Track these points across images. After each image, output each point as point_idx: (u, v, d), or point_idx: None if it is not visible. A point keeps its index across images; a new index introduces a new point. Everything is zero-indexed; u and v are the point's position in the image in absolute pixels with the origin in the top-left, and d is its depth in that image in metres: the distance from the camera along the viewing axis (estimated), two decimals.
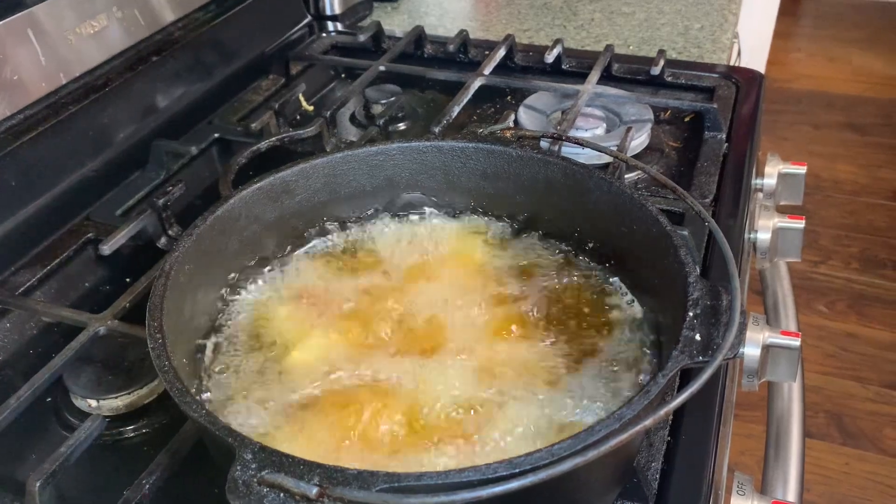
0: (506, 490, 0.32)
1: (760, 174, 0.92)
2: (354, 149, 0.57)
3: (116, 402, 0.60)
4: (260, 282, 0.55)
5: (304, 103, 1.01)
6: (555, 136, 0.59)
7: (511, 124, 0.74)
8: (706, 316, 0.41)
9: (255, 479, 0.33)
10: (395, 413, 0.44)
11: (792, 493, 0.63)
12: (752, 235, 0.86)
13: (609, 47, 0.99)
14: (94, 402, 0.60)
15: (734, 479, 0.58)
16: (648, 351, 0.49)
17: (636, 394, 0.37)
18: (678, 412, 0.56)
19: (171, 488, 0.50)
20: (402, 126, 0.96)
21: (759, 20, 2.39)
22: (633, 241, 0.50)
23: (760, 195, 0.94)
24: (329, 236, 0.58)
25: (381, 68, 0.98)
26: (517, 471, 0.33)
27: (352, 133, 0.96)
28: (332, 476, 0.33)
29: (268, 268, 0.56)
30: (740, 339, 0.39)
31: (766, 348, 0.69)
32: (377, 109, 0.95)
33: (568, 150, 0.78)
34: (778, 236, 0.84)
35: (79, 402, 0.61)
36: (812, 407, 1.78)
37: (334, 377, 0.47)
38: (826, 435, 1.74)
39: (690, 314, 0.41)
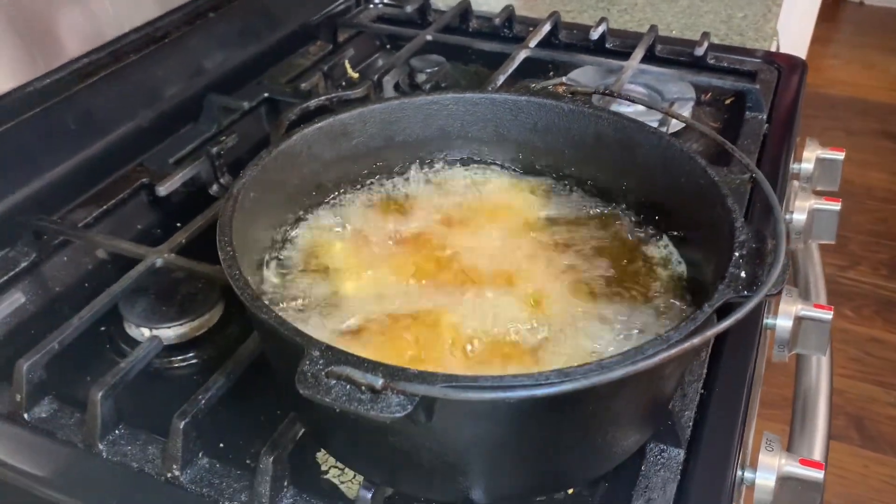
0: (557, 392, 0.34)
1: (798, 159, 0.93)
2: (411, 97, 0.59)
3: (169, 332, 0.63)
4: (318, 216, 0.57)
5: (349, 70, 1.03)
6: (608, 92, 0.61)
7: (563, 79, 0.76)
8: (751, 256, 0.42)
9: (323, 372, 0.35)
10: (448, 338, 0.46)
11: (818, 449, 0.64)
12: (787, 216, 0.87)
13: (653, 27, 1.00)
14: (147, 331, 0.63)
15: (763, 438, 0.59)
16: (688, 299, 0.50)
17: (682, 321, 0.39)
18: (712, 367, 0.58)
19: (226, 407, 0.53)
20: None
21: (799, 22, 2.38)
22: (681, 194, 0.52)
23: (797, 180, 0.95)
24: (383, 180, 0.60)
25: (428, 38, 1.00)
26: (568, 378, 0.35)
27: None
28: (395, 373, 0.35)
29: (326, 203, 0.58)
30: (783, 278, 0.40)
31: (799, 320, 0.71)
32: (421, 78, 0.97)
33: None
34: (813, 218, 0.85)
35: (132, 331, 0.64)
36: (833, 409, 1.77)
37: (388, 306, 0.49)
38: (845, 437, 1.74)
39: (736, 254, 0.42)
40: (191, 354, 0.63)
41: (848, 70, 3.15)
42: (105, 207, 0.75)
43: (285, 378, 0.38)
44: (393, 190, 0.60)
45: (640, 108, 0.88)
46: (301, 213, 0.57)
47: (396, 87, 1.00)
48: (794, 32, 2.31)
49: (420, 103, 0.59)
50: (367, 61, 1.09)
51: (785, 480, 0.57)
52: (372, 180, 0.60)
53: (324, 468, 0.52)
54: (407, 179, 0.61)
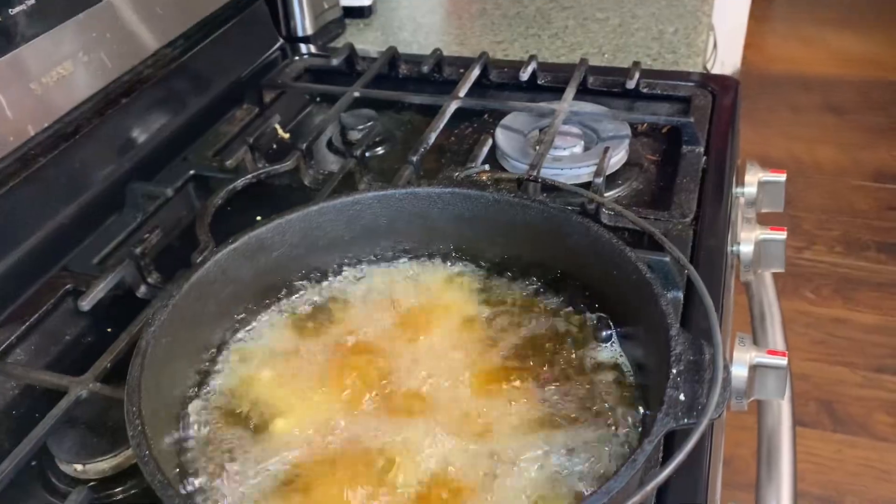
0: None
1: (741, 183, 0.92)
2: (330, 200, 0.56)
3: (103, 465, 0.59)
4: (241, 341, 0.54)
5: (280, 131, 1.00)
6: (530, 179, 0.58)
7: (487, 167, 0.73)
8: (689, 372, 0.41)
9: None
10: (384, 481, 0.44)
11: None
12: (734, 248, 0.86)
13: (583, 61, 0.98)
14: (79, 467, 0.59)
15: None
16: (635, 395, 0.48)
17: (622, 464, 0.37)
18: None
19: None
20: (380, 151, 0.95)
21: (734, 8, 2.39)
22: (615, 285, 0.50)
23: (742, 202, 0.94)
24: (308, 291, 0.58)
25: (356, 94, 0.97)
26: None
27: (330, 161, 0.95)
28: None
29: (247, 328, 0.55)
30: (724, 398, 0.39)
31: (754, 368, 0.70)
32: (354, 136, 0.95)
33: (547, 171, 0.78)
34: (761, 248, 0.84)
35: (64, 467, 0.61)
36: (802, 395, 1.79)
37: (321, 444, 0.46)
38: (817, 423, 1.75)
39: (674, 371, 0.41)
40: (130, 483, 0.60)
41: (786, 47, 3.18)
42: (29, 323, 0.71)
43: None
44: (320, 299, 0.57)
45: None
46: (223, 340, 0.54)
47: (329, 145, 0.97)
48: (731, 14, 2.32)
49: (340, 205, 0.56)
50: (298, 117, 1.06)
51: None
52: (298, 293, 0.57)
53: None
54: (335, 284, 0.58)
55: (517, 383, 0.50)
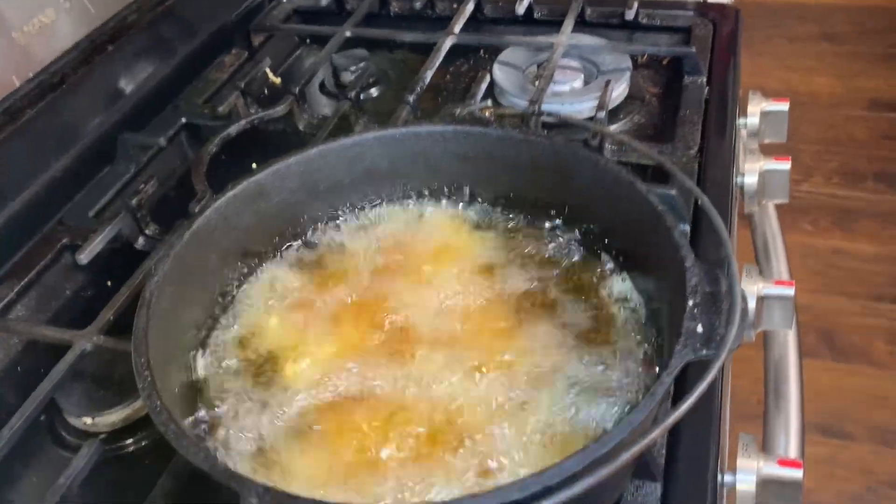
0: None
1: (743, 113, 0.91)
2: (329, 142, 0.55)
3: (112, 418, 0.59)
4: (248, 289, 0.53)
5: (270, 76, 0.98)
6: (534, 114, 0.57)
7: (489, 102, 0.72)
8: (706, 304, 0.40)
9: None
10: (398, 424, 0.43)
11: (794, 445, 0.64)
12: (738, 179, 0.84)
13: None
14: (89, 420, 0.59)
15: (739, 441, 0.58)
16: (646, 330, 0.48)
17: (643, 396, 0.36)
18: (679, 386, 0.56)
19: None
20: (374, 92, 0.93)
21: None
22: (624, 219, 0.49)
23: (744, 133, 0.92)
24: (311, 235, 0.56)
25: (347, 34, 0.95)
26: (530, 493, 0.32)
27: (323, 104, 0.93)
28: None
29: (254, 274, 0.54)
30: (743, 328, 0.38)
31: (762, 299, 0.69)
32: (347, 78, 0.92)
33: (548, 107, 0.76)
34: (765, 179, 0.83)
35: (73, 421, 0.61)
36: (802, 326, 1.79)
37: (333, 389, 0.46)
38: (817, 353, 1.77)
39: (690, 303, 0.40)
40: (141, 434, 0.60)
41: None
42: (27, 279, 0.70)
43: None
44: (325, 245, 0.56)
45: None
46: (229, 288, 0.53)
47: (322, 88, 0.95)
48: None
49: (340, 148, 0.55)
50: (289, 61, 1.03)
51: (765, 483, 0.56)
52: (302, 238, 0.56)
53: None
54: (338, 229, 0.57)
55: (529, 321, 0.49)
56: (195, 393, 0.49)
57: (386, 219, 0.57)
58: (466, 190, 0.57)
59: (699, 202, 0.45)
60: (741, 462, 0.56)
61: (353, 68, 0.93)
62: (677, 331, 0.39)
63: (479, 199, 0.57)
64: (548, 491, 0.32)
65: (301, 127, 0.83)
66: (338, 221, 0.57)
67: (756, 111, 0.89)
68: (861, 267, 1.95)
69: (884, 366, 1.73)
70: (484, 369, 0.46)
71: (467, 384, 0.45)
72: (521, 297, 0.51)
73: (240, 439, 0.45)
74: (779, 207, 0.97)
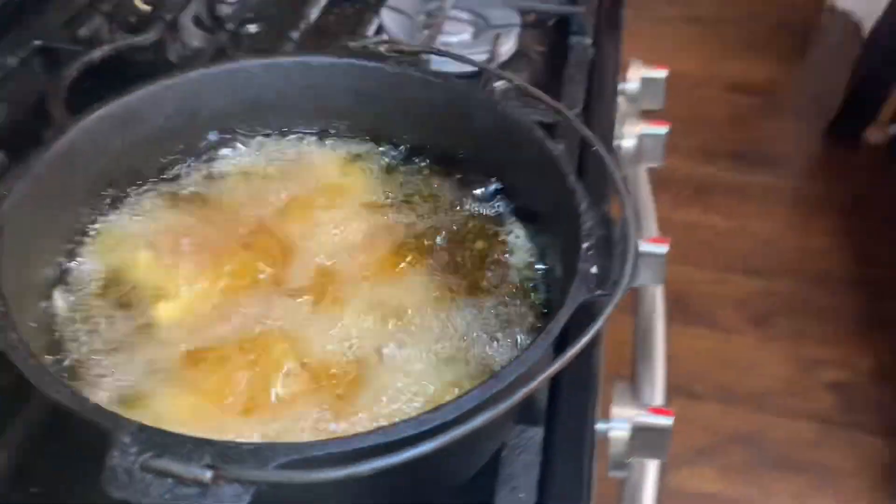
0: (417, 454, 0.30)
1: (623, 79, 0.93)
2: (210, 66, 0.51)
3: None
4: (114, 221, 0.48)
5: (138, 2, 0.90)
6: (436, 51, 0.55)
7: (384, 37, 0.69)
8: (600, 247, 0.40)
9: (137, 465, 0.30)
10: (280, 364, 0.41)
11: (659, 396, 0.67)
12: (616, 143, 0.87)
13: None
14: None
15: (614, 388, 0.60)
16: (539, 277, 0.48)
17: (538, 335, 0.36)
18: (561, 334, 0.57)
19: (32, 465, 0.45)
20: (252, 29, 0.88)
21: None
22: (521, 165, 0.49)
23: (622, 99, 0.95)
24: (189, 168, 0.52)
25: None
26: (427, 428, 0.32)
27: (197, 38, 0.86)
28: (225, 453, 0.30)
29: (123, 204, 0.50)
30: (636, 270, 0.39)
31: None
32: (224, 10, 0.86)
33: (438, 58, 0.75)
34: (642, 142, 0.86)
35: None
36: None
37: (210, 328, 0.43)
38: (671, 319, 1.88)
39: (584, 245, 0.40)
40: None
41: None
42: None
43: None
44: (204, 177, 0.52)
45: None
46: (95, 219, 0.48)
47: (196, 21, 0.89)
48: None
49: (222, 73, 0.51)
50: None
51: (637, 430, 0.58)
52: (178, 167, 0.52)
53: None
54: (220, 161, 0.53)
55: (419, 266, 0.48)
56: (52, 333, 0.44)
57: (272, 153, 0.53)
58: (359, 128, 0.54)
59: (595, 149, 0.45)
60: (616, 410, 0.58)
61: (231, 1, 0.87)
62: (572, 272, 0.39)
63: (372, 138, 0.55)
64: (445, 426, 0.31)
65: (172, 58, 0.77)
66: (220, 152, 0.53)
67: (636, 77, 0.92)
68: (713, 240, 2.08)
69: (730, 331, 1.86)
70: (373, 313, 0.45)
71: (356, 327, 0.44)
72: (410, 240, 0.50)
73: (104, 384, 0.41)
74: None
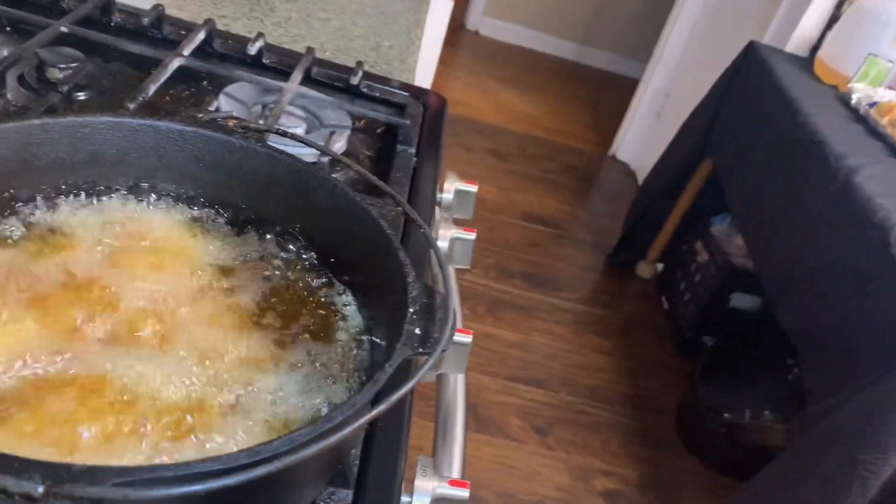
0: (250, 477, 0.33)
1: (440, 190, 1.02)
2: (55, 117, 0.51)
3: None
4: None
5: None
6: (284, 133, 0.59)
7: (233, 112, 0.72)
8: (423, 312, 0.45)
9: None
10: (104, 407, 0.41)
11: (456, 470, 0.72)
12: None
13: (311, 50, 1.01)
14: None
15: (418, 462, 0.64)
16: (363, 345, 0.52)
17: (367, 384, 0.40)
18: (374, 402, 0.60)
19: None
20: (83, 96, 0.87)
21: (429, 46, 2.60)
22: (355, 242, 0.53)
23: (438, 208, 1.04)
24: (21, 213, 0.51)
25: (63, 29, 0.89)
26: (258, 458, 0.34)
27: (24, 97, 0.84)
28: (57, 473, 0.31)
29: None
30: (452, 333, 0.44)
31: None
32: (55, 74, 0.85)
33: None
34: (454, 246, 0.94)
35: None
36: None
37: (32, 367, 0.42)
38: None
39: (411, 310, 0.45)
40: None
41: (466, 92, 3.54)
42: None
43: None
44: (33, 223, 0.51)
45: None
46: None
47: (21, 80, 0.87)
48: (425, 55, 2.52)
49: (68, 125, 0.52)
50: None
51: (437, 501, 0.62)
52: (8, 213, 0.51)
53: None
54: (54, 210, 0.53)
55: (247, 326, 0.50)
56: None
57: (110, 209, 0.54)
58: (200, 193, 0.57)
59: (423, 231, 0.51)
60: (419, 482, 0.62)
61: (62, 66, 0.86)
62: (398, 333, 0.44)
63: (211, 206, 0.57)
64: (277, 456, 0.34)
65: None
66: (57, 202, 0.53)
67: (451, 188, 1.01)
68: (503, 351, 2.22)
69: (516, 439, 1.96)
70: (199, 362, 0.46)
71: (183, 374, 0.45)
72: (243, 303, 0.52)
73: None
74: None
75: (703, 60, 2.77)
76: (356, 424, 0.36)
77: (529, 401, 2.09)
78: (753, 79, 2.08)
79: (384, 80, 1.08)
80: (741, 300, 2.22)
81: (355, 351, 0.51)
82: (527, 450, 1.95)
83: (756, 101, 2.05)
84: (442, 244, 0.93)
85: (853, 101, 1.89)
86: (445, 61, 3.41)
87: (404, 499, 0.61)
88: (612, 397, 2.17)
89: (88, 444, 0.39)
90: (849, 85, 1.95)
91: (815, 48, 2.19)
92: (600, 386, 2.20)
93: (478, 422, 1.98)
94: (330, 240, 0.56)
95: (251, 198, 0.57)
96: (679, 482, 1.97)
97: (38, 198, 0.52)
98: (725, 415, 2.00)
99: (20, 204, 0.52)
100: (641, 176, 2.95)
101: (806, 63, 2.14)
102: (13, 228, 0.50)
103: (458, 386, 0.82)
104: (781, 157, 1.88)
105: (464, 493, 0.62)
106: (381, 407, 0.37)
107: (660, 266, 2.63)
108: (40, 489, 0.29)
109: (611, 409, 2.13)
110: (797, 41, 2.25)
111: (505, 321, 2.33)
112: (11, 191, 0.52)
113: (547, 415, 2.06)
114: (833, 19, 2.19)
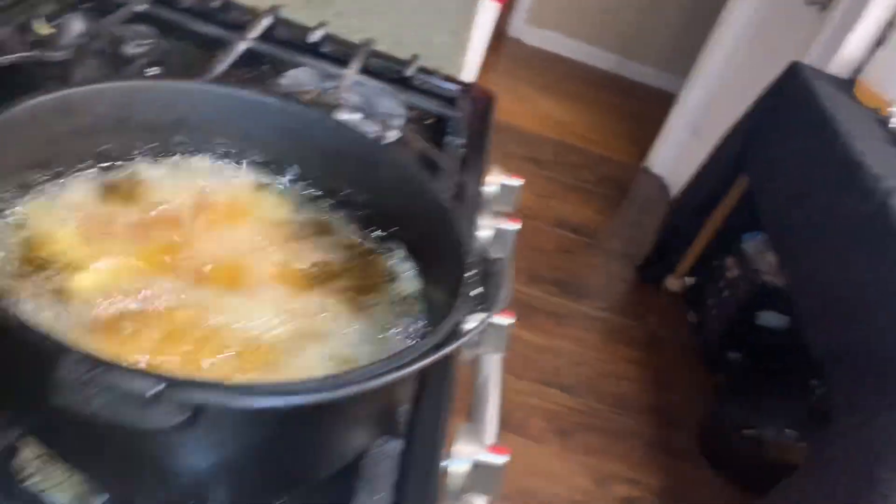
0: (333, 397, 0.36)
1: (485, 182, 1.06)
2: (155, 80, 0.56)
3: None
4: (41, 197, 0.51)
5: (39, 27, 0.92)
6: (361, 112, 0.63)
7: (310, 87, 0.77)
8: (481, 275, 0.49)
9: (87, 378, 0.33)
10: (192, 339, 0.45)
11: (493, 435, 0.75)
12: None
13: (369, 41, 1.05)
14: None
15: (458, 429, 0.67)
16: (420, 306, 0.56)
17: (429, 334, 0.44)
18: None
19: None
20: (155, 71, 0.92)
21: (474, 49, 2.63)
22: (415, 212, 0.57)
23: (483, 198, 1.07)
24: (119, 162, 0.56)
25: (140, 8, 0.94)
26: (342, 383, 0.38)
27: (101, 69, 0.90)
28: (170, 379, 0.34)
29: (51, 182, 0.52)
30: (506, 296, 0.48)
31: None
32: (131, 49, 0.91)
33: None
34: (496, 235, 0.98)
35: None
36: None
37: (126, 302, 0.46)
38: None
39: (469, 273, 0.49)
40: None
41: (505, 98, 3.55)
42: None
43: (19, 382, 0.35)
44: (129, 174, 0.56)
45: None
46: (18, 195, 0.50)
47: (97, 56, 0.92)
48: (469, 60, 2.57)
49: (162, 88, 0.56)
50: (62, 17, 0.97)
51: (475, 466, 0.65)
52: (105, 162, 0.56)
53: (21, 476, 0.47)
54: (144, 165, 0.57)
55: (318, 286, 0.54)
56: None
57: (193, 167, 0.58)
58: (274, 160, 0.61)
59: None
60: (460, 447, 0.65)
61: (138, 42, 0.91)
62: (456, 294, 0.47)
63: (288, 172, 0.61)
64: (352, 383, 0.38)
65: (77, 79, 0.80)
66: (146, 158, 0.57)
67: (496, 182, 1.05)
68: (531, 354, 2.25)
69: (539, 440, 1.99)
70: (277, 307, 0.50)
71: (263, 318, 0.49)
72: (312, 265, 0.56)
73: None
74: None
75: (743, 78, 2.79)
76: (424, 362, 0.39)
77: (555, 404, 2.11)
78: (794, 99, 2.09)
79: (436, 75, 1.12)
80: (769, 318, 2.22)
81: (413, 310, 0.55)
82: (549, 452, 1.97)
83: (795, 121, 2.06)
84: (485, 234, 0.96)
85: (893, 124, 1.90)
86: (487, 67, 3.45)
87: (444, 462, 0.65)
88: (637, 406, 2.18)
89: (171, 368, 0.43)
90: (890, 109, 1.96)
91: (857, 70, 2.20)
92: (626, 394, 2.22)
93: (502, 421, 2.01)
94: (392, 210, 0.59)
95: (324, 168, 0.61)
96: (699, 494, 1.98)
97: (133, 151, 0.57)
98: (748, 431, 2.01)
99: (119, 157, 0.56)
100: (675, 189, 2.96)
101: (847, 85, 2.15)
102: (111, 176, 0.55)
103: (494, 364, 0.85)
104: (818, 177, 1.89)
105: (502, 458, 0.65)
106: (446, 349, 0.41)
107: (689, 280, 2.64)
108: (160, 387, 0.33)
109: (635, 417, 2.14)
110: (839, 63, 2.26)
111: (534, 325, 2.35)
112: (109, 145, 0.56)
113: (571, 419, 2.08)
114: (878, 42, 2.20)
